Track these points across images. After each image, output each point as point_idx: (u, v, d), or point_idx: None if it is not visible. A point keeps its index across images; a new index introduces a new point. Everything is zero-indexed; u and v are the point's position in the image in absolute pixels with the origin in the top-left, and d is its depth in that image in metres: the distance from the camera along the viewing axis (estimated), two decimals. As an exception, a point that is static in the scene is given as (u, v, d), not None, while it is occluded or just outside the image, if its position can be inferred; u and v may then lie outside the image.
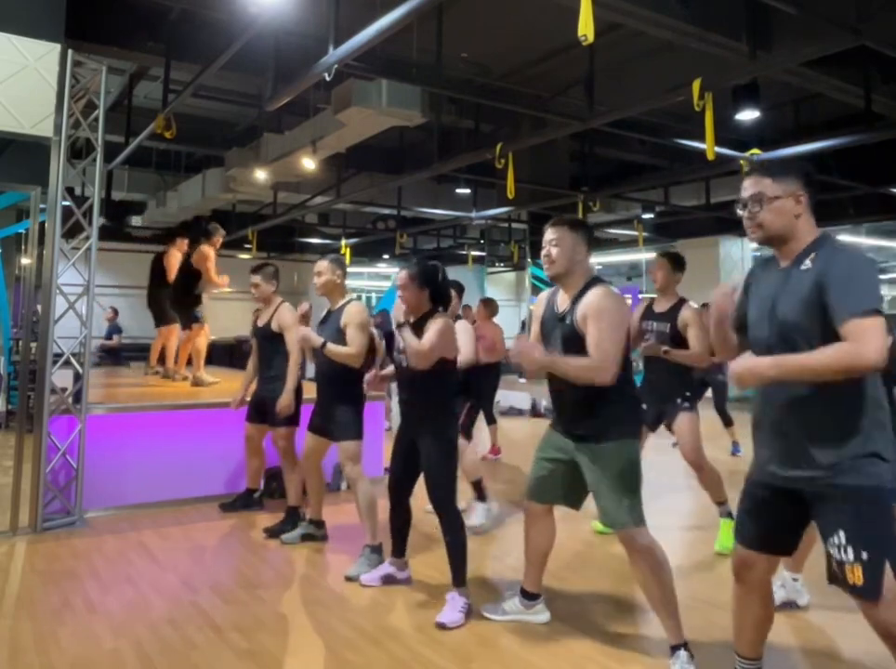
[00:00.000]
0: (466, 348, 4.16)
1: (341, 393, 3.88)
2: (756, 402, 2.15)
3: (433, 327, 3.20)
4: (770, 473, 2.07)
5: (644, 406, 4.07)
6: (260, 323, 4.61)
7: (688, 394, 4.14)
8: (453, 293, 4.42)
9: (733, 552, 2.27)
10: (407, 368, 3.30)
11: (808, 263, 1.98)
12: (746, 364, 1.97)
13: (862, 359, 1.79)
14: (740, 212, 2.12)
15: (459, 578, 3.15)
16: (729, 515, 3.92)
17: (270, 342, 4.52)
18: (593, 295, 2.67)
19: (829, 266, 1.92)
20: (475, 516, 4.50)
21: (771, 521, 2.12)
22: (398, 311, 3.51)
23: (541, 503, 2.97)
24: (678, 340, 4.05)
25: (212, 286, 6.60)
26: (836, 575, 1.95)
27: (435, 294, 3.34)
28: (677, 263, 4.23)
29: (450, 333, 3.25)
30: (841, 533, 1.91)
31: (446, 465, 3.20)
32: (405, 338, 3.19)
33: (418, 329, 3.25)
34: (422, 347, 3.14)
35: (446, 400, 3.32)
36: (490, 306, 7.02)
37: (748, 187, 2.09)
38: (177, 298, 6.68)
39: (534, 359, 2.58)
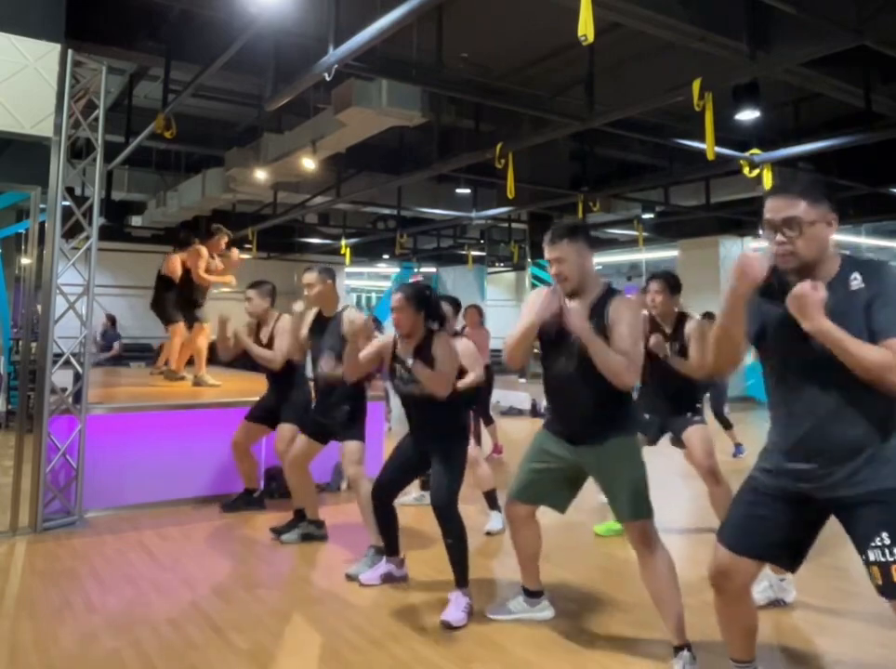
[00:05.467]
0: (474, 369, 4.32)
1: (346, 395, 3.89)
2: (781, 412, 2.06)
3: (440, 351, 3.26)
4: (799, 484, 1.99)
5: (647, 416, 4.06)
6: (264, 340, 4.65)
7: (698, 407, 4.03)
8: (449, 309, 4.47)
9: (713, 559, 2.20)
10: (411, 395, 3.33)
11: (856, 283, 1.89)
12: (813, 299, 1.82)
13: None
14: (766, 235, 1.97)
15: (462, 579, 3.17)
16: None
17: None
18: (623, 303, 2.70)
19: (882, 284, 1.87)
20: (492, 523, 4.52)
21: (778, 530, 2.05)
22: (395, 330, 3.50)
23: (526, 503, 2.96)
24: (687, 354, 3.93)
25: (204, 283, 6.64)
26: (884, 585, 1.85)
27: (430, 315, 3.36)
28: (672, 286, 4.02)
29: (455, 352, 3.36)
30: (884, 534, 1.84)
31: (454, 473, 3.22)
32: (421, 373, 3.20)
33: (422, 351, 3.28)
34: (440, 376, 3.22)
35: (456, 414, 3.36)
36: (479, 312, 7.09)
37: (779, 208, 1.92)
38: (181, 299, 6.72)
39: (580, 320, 2.59)
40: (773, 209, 1.94)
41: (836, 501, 1.96)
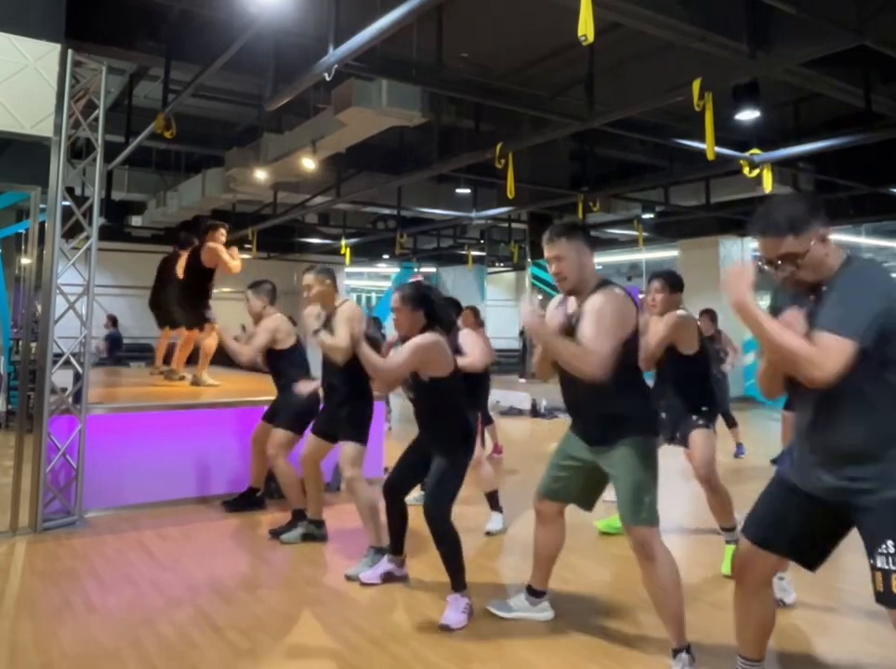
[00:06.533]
0: (475, 352, 4.34)
1: (348, 397, 3.89)
2: (796, 414, 2.10)
3: (407, 344, 3.22)
4: (815, 481, 2.01)
5: (663, 415, 4.04)
6: None
7: (704, 410, 3.95)
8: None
9: (737, 550, 2.24)
10: (415, 398, 3.34)
11: (826, 287, 1.92)
12: (740, 275, 1.91)
13: (814, 371, 1.80)
14: (766, 268, 2.01)
15: (458, 583, 3.16)
16: (736, 541, 3.76)
17: (277, 357, 4.55)
18: (595, 296, 2.66)
19: (837, 282, 1.89)
20: (492, 523, 4.52)
21: (802, 527, 2.07)
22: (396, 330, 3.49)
23: (554, 501, 2.98)
24: (672, 350, 3.92)
25: (236, 272, 6.59)
26: (883, 592, 1.87)
27: (430, 315, 3.33)
28: (673, 284, 4.01)
29: (428, 350, 3.21)
30: (889, 543, 1.86)
31: (451, 483, 3.20)
32: (362, 354, 3.19)
33: None
34: (379, 365, 3.19)
35: (459, 420, 3.32)
36: (477, 314, 7.07)
37: (770, 248, 1.95)
38: (185, 299, 6.65)
39: (538, 328, 2.58)
40: (765, 249, 1.98)
41: (846, 505, 1.96)
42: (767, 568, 2.17)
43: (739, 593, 2.23)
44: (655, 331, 3.90)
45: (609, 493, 3.00)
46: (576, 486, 2.92)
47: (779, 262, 1.95)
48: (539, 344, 2.62)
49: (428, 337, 3.22)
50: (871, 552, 1.91)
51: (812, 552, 2.13)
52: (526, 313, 2.59)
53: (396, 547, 3.57)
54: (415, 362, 3.19)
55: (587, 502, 2.98)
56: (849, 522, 2.04)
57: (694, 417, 3.94)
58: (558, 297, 2.92)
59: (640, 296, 10.05)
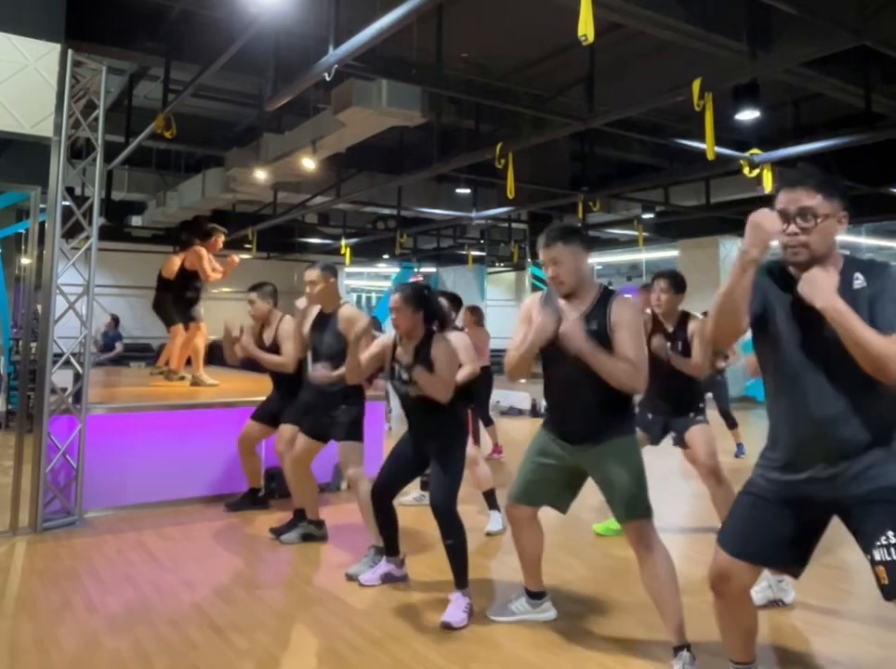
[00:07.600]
0: (469, 362, 4.25)
1: (343, 395, 3.89)
2: (783, 410, 2.04)
3: (440, 354, 3.23)
4: (802, 486, 1.97)
5: (650, 416, 4.08)
6: (267, 342, 4.65)
7: (701, 407, 4.04)
8: (447, 304, 4.42)
9: (713, 562, 2.18)
10: (409, 396, 3.33)
11: (858, 282, 1.89)
12: (826, 279, 1.84)
13: None
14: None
15: (462, 580, 3.16)
16: None
17: None
18: (623, 305, 2.69)
19: (886, 281, 1.87)
20: (492, 523, 4.52)
21: (779, 535, 2.03)
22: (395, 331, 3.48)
23: (528, 505, 2.96)
24: (689, 353, 3.95)
25: (212, 281, 6.68)
26: (889, 584, 1.82)
27: (429, 315, 3.34)
28: (678, 285, 4.05)
29: (455, 355, 3.33)
30: (890, 533, 1.82)
31: (453, 474, 3.21)
32: (422, 379, 3.16)
33: (421, 352, 3.27)
34: (440, 382, 3.18)
35: (454, 414, 3.33)
36: (476, 313, 7.04)
37: (794, 199, 1.91)
38: (175, 298, 6.73)
39: (579, 340, 2.55)
40: (788, 200, 1.92)
41: (838, 501, 1.94)
42: (746, 578, 2.12)
43: (720, 605, 2.18)
44: (698, 342, 3.91)
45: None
46: (552, 487, 2.89)
47: (797, 217, 1.90)
48: (581, 354, 2.53)
49: (449, 345, 3.30)
50: (868, 546, 1.87)
51: (792, 558, 2.09)
52: (570, 329, 2.55)
53: (391, 548, 3.57)
54: (454, 370, 3.30)
55: (563, 503, 2.93)
56: (824, 522, 2.03)
57: (692, 414, 4.00)
58: (540, 295, 2.89)
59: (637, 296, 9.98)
